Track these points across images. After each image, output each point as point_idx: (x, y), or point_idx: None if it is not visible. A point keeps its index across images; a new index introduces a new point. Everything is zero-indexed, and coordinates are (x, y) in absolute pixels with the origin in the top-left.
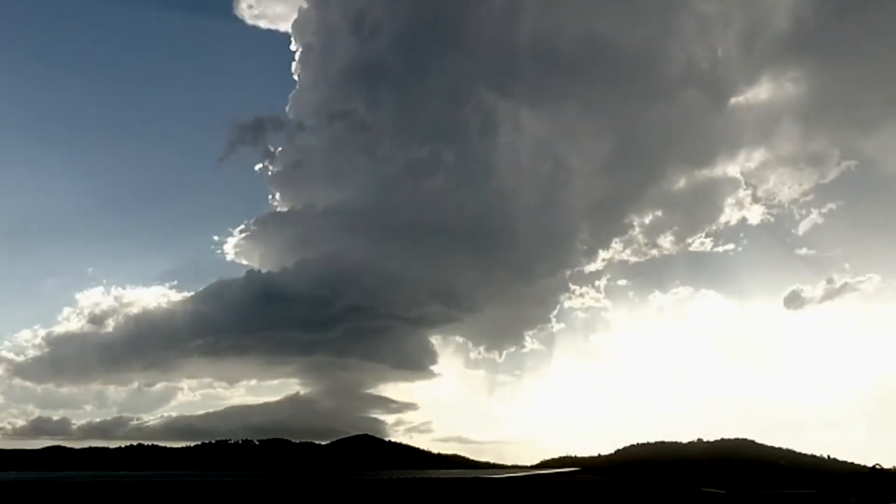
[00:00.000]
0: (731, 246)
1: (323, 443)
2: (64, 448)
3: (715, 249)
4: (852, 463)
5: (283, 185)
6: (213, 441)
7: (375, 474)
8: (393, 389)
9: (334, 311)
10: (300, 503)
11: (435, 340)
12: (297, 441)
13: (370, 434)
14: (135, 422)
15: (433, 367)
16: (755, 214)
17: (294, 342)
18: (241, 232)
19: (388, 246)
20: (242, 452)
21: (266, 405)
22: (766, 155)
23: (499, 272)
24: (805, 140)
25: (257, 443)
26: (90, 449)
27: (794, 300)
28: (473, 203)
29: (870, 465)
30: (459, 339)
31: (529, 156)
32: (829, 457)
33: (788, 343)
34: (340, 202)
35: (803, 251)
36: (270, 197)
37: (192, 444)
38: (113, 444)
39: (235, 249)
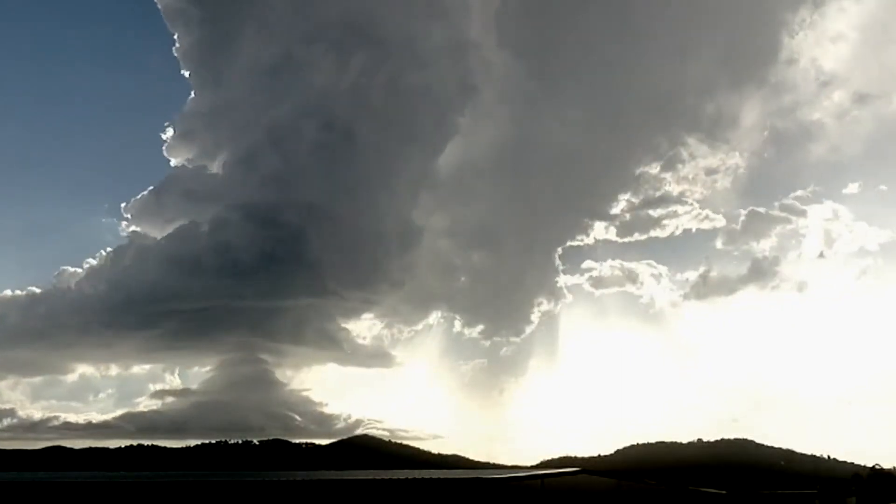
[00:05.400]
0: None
1: (323, 443)
2: (64, 448)
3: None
4: (852, 463)
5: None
6: (214, 441)
7: (376, 474)
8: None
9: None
10: (301, 503)
11: (419, 326)
12: (297, 441)
13: (370, 434)
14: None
15: (405, 357)
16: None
17: (217, 321)
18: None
19: (349, 216)
20: (242, 452)
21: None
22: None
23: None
24: None
25: (257, 443)
26: (90, 449)
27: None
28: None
29: (870, 465)
30: (445, 317)
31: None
32: (829, 457)
33: (795, 336)
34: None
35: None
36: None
37: (193, 443)
38: (113, 445)
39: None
